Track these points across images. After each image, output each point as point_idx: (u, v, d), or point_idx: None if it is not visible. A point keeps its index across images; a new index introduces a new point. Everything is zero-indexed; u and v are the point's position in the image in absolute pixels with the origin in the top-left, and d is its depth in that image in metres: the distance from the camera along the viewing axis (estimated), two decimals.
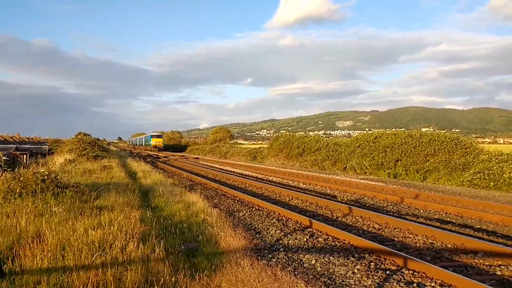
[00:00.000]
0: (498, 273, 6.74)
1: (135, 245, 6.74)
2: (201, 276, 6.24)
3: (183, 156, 55.24)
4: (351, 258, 7.56)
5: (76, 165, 22.66)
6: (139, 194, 14.04)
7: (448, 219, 11.29)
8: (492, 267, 7.03)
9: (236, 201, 14.67)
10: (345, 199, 14.56)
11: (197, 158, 47.00)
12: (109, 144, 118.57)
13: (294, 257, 7.80)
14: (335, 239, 8.91)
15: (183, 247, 7.95)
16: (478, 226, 10.33)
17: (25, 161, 28.58)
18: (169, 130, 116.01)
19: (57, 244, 6.66)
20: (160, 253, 6.72)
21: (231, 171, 29.07)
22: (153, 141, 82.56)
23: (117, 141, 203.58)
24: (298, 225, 10.38)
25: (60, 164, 23.85)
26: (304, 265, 7.34)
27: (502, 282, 6.34)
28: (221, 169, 31.79)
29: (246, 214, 12.13)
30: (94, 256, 6.15)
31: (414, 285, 6.18)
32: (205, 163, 40.23)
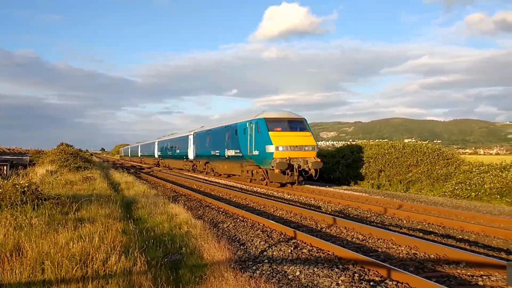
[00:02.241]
0: (480, 283, 6.80)
1: (117, 258, 6.62)
2: None
3: (167, 166, 54.77)
4: (336, 269, 7.55)
5: (57, 176, 22.29)
6: (121, 205, 13.85)
7: (431, 229, 11.39)
8: (474, 277, 7.09)
9: (220, 212, 14.57)
10: (330, 210, 14.59)
11: (182, 169, 46.67)
12: (92, 155, 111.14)
13: (278, 268, 7.76)
14: (319, 250, 8.90)
15: (166, 260, 7.85)
16: (460, 236, 10.44)
17: (5, 172, 28.00)
18: None
19: (36, 258, 6.51)
20: (142, 266, 6.61)
21: (216, 182, 28.93)
22: None
23: (100, 152, 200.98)
24: (282, 236, 10.36)
25: (41, 175, 23.44)
26: (289, 276, 7.30)
27: None
28: (206, 179, 31.62)
29: (231, 226, 12.05)
30: (75, 270, 6.02)
31: None
32: (189, 173, 39.98)
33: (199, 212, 14.70)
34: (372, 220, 12.94)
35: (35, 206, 10.82)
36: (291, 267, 7.76)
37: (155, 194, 18.60)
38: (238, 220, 12.89)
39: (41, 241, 7.34)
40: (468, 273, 7.29)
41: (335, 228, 11.39)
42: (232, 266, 7.37)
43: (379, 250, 9.09)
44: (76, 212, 11.06)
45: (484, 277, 7.05)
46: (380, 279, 6.97)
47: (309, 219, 12.89)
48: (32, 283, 5.66)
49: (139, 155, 77.51)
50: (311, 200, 17.77)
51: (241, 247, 9.51)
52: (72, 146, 40.38)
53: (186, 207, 14.81)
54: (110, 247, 7.16)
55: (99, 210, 11.16)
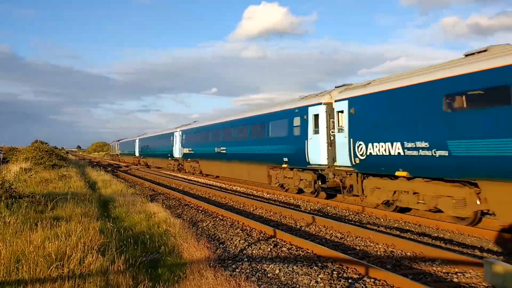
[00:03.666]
0: (455, 280, 6.94)
1: (94, 257, 6.53)
2: None
3: (146, 164, 54.18)
4: (315, 267, 7.60)
5: (32, 174, 21.80)
6: (98, 204, 13.65)
7: (407, 227, 11.57)
8: (449, 274, 7.24)
9: (199, 211, 14.51)
10: (309, 209, 14.68)
11: (160, 167, 46.22)
12: (67, 153, 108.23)
13: (258, 267, 7.77)
14: (298, 249, 8.95)
15: (144, 259, 7.76)
16: (435, 235, 10.63)
17: None
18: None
19: (11, 257, 6.35)
20: (120, 265, 6.53)
21: (195, 181, 28.77)
22: None
23: (76, 149, 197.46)
24: (262, 235, 10.37)
25: (15, 173, 22.89)
26: (268, 275, 7.32)
27: None
28: (185, 178, 31.42)
29: (210, 224, 12.01)
30: (51, 269, 5.91)
31: None
32: (168, 172, 39.66)
33: (178, 211, 14.60)
34: (350, 218, 13.08)
35: (9, 205, 10.56)
36: (270, 266, 7.78)
37: (133, 192, 18.39)
38: (217, 219, 12.86)
39: (15, 240, 7.17)
40: (444, 270, 7.43)
41: (314, 227, 11.46)
42: (211, 264, 7.35)
43: (357, 248, 9.19)
44: (52, 211, 10.84)
45: (459, 274, 7.20)
46: (358, 276, 7.05)
47: (289, 218, 12.94)
48: (6, 283, 5.52)
49: (147, 156, 53.59)
50: (291, 199, 17.84)
51: (221, 245, 9.49)
52: (47, 143, 39.47)
53: (164, 206, 14.71)
54: (87, 246, 7.05)
55: (76, 209, 10.97)
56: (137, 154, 57.36)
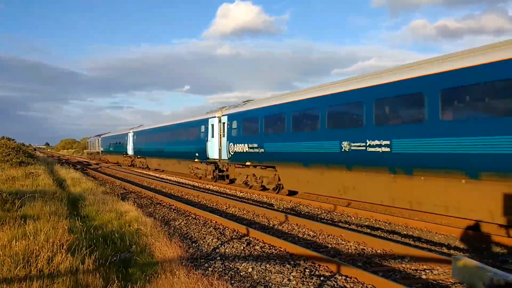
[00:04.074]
0: (424, 277, 7.12)
1: (63, 256, 6.38)
2: (134, 287, 6.02)
3: (117, 163, 53.30)
4: (287, 265, 7.65)
5: None
6: (67, 203, 13.34)
7: (378, 225, 11.78)
8: (418, 271, 7.41)
9: (172, 210, 14.38)
10: (282, 207, 14.76)
11: (132, 165, 45.56)
12: (35, 150, 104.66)
13: (231, 265, 7.76)
14: (271, 247, 8.99)
15: (115, 258, 7.63)
16: (405, 232, 10.87)
17: None
18: None
19: None
20: (90, 265, 6.41)
21: (167, 179, 28.50)
22: None
23: (45, 146, 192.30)
24: (235, 234, 10.37)
25: None
26: (241, 273, 7.32)
27: (427, 285, 6.70)
28: (157, 177, 31.07)
29: (182, 223, 11.92)
30: (18, 269, 5.73)
31: None
32: (140, 170, 39.13)
33: (150, 210, 14.43)
34: (323, 217, 13.22)
35: None
36: (243, 264, 7.79)
37: (104, 191, 18.05)
38: (190, 218, 12.77)
39: None
40: (412, 267, 7.61)
41: (287, 225, 11.54)
42: (184, 263, 7.29)
43: (329, 246, 9.30)
44: (19, 209, 10.53)
45: (427, 271, 7.38)
46: (330, 274, 7.14)
47: (262, 216, 12.98)
48: None
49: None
50: (264, 198, 17.90)
51: (194, 244, 9.44)
52: (14, 140, 38.31)
53: (136, 205, 14.50)
54: (55, 246, 6.88)
55: (44, 207, 10.69)
56: (130, 152, 45.04)
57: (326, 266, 7.47)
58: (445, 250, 8.96)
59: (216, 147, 24.23)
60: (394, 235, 10.44)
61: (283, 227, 11.41)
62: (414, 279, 7.01)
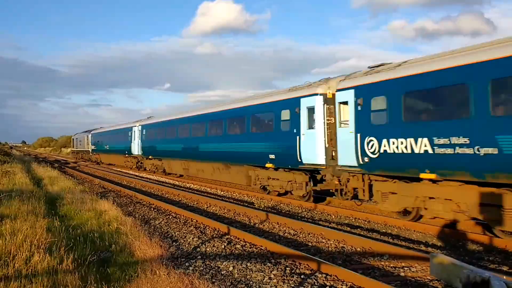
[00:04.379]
0: (402, 274, 7.23)
1: (41, 256, 6.27)
2: (114, 287, 5.96)
3: (96, 162, 52.54)
4: (268, 263, 7.68)
5: None
6: (45, 202, 13.10)
7: (357, 224, 11.92)
8: (397, 268, 7.53)
9: (152, 209, 14.27)
10: (262, 206, 14.79)
11: (111, 164, 44.94)
12: (11, 148, 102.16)
13: (211, 264, 7.76)
14: (252, 245, 9.01)
15: (94, 258, 7.54)
16: (384, 230, 11.03)
17: None
18: None
19: None
20: (69, 265, 6.32)
21: (147, 178, 28.25)
22: None
23: (21, 144, 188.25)
24: (216, 232, 10.36)
25: None
26: (222, 272, 7.32)
27: (405, 282, 6.81)
28: (137, 175, 30.76)
29: (163, 222, 11.84)
30: None
31: (327, 287, 6.43)
32: (119, 169, 38.67)
33: (129, 209, 14.30)
34: (303, 215, 13.31)
35: None
36: (224, 263, 7.79)
37: (82, 190, 17.81)
38: (170, 217, 12.70)
39: None
40: (391, 265, 7.72)
41: (267, 224, 11.57)
42: (164, 263, 7.24)
43: (310, 244, 9.37)
44: None
45: (406, 268, 7.51)
46: (310, 272, 7.19)
47: (243, 215, 12.99)
48: None
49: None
50: (244, 196, 17.91)
51: (174, 243, 9.39)
52: None
53: (115, 204, 14.34)
54: (33, 245, 6.76)
55: (21, 207, 10.49)
56: (136, 151, 35.24)
57: (307, 264, 7.53)
58: (423, 248, 9.11)
59: (320, 144, 14.09)
60: (374, 233, 10.58)
61: (264, 225, 11.45)
62: (393, 277, 7.12)
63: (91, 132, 51.22)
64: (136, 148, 34.93)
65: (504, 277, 6.30)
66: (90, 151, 50.77)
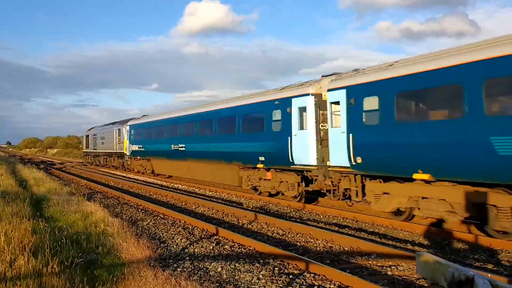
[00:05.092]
0: (389, 273, 7.29)
1: (26, 259, 6.18)
2: None
3: (82, 162, 52.04)
4: (257, 264, 7.68)
5: None
6: (31, 203, 12.94)
7: (345, 223, 11.98)
8: (384, 267, 7.59)
9: (139, 210, 14.17)
10: (251, 206, 14.78)
11: (98, 165, 44.57)
12: None
13: (200, 265, 7.73)
14: (241, 246, 9.00)
15: (81, 260, 7.46)
16: (371, 230, 11.10)
17: None
18: (66, 135, 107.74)
19: None
20: (55, 267, 6.24)
21: (134, 179, 28.05)
22: None
23: (6, 145, 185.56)
24: (204, 233, 10.33)
25: None
26: (210, 273, 7.30)
27: (393, 281, 6.87)
28: (124, 176, 30.54)
29: (151, 223, 11.77)
30: None
31: (315, 287, 6.45)
32: (106, 170, 38.35)
33: (116, 210, 14.18)
34: (292, 215, 13.33)
35: None
36: (212, 264, 7.76)
37: (69, 191, 17.62)
38: (158, 218, 12.63)
39: None
40: (379, 264, 7.78)
41: (256, 224, 11.57)
42: (152, 264, 7.20)
43: (298, 244, 9.39)
44: None
45: (393, 267, 7.56)
46: (299, 272, 7.21)
47: (231, 216, 12.97)
48: None
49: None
50: (233, 197, 17.89)
51: (162, 245, 9.33)
52: None
53: (102, 205, 14.23)
54: (18, 247, 6.66)
55: (6, 208, 10.32)
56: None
57: (295, 264, 7.54)
58: (410, 247, 9.19)
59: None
60: (361, 233, 10.64)
61: (252, 226, 11.44)
62: (380, 275, 7.17)
63: (128, 123, 34.28)
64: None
65: (489, 275, 6.41)
66: (127, 153, 33.90)
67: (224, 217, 12.81)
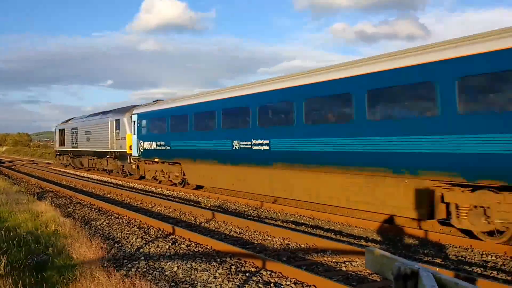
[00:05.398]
0: (344, 269, 7.46)
1: None
2: None
3: (32, 160, 49.99)
4: (213, 262, 7.65)
5: None
6: None
7: (302, 221, 12.15)
8: (339, 263, 7.75)
9: (93, 209, 13.77)
10: (209, 205, 14.72)
11: (50, 163, 42.93)
12: None
13: (155, 265, 7.61)
14: (198, 245, 8.94)
15: (30, 261, 7.16)
16: (327, 227, 11.31)
17: None
18: (16, 132, 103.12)
19: None
20: (1, 269, 5.96)
21: (88, 177, 27.25)
22: None
23: None
24: (160, 233, 10.18)
25: None
26: (166, 272, 7.20)
27: (347, 276, 7.03)
28: (77, 175, 29.58)
29: (104, 223, 11.47)
30: None
31: (272, 285, 6.50)
32: (58, 168, 37.02)
33: (68, 210, 13.72)
34: (250, 213, 13.37)
35: None
36: (168, 263, 7.66)
37: (18, 190, 16.89)
38: (112, 217, 12.33)
39: None
40: (334, 260, 7.94)
41: (213, 223, 11.53)
42: (105, 265, 7.03)
43: (255, 242, 9.43)
44: None
45: (347, 263, 7.74)
46: (255, 269, 7.24)
47: (188, 214, 12.86)
48: None
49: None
50: (191, 196, 17.73)
51: (116, 245, 9.12)
52: None
53: (53, 205, 13.75)
54: None
55: None
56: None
57: (252, 262, 7.57)
58: (363, 243, 9.45)
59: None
60: (318, 230, 10.83)
61: (210, 224, 11.39)
62: (335, 271, 7.32)
63: (135, 112, 24.29)
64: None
65: (437, 269, 6.69)
66: (135, 153, 23.85)
67: (181, 216, 12.68)
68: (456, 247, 8.94)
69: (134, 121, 23.76)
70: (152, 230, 10.48)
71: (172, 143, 20.00)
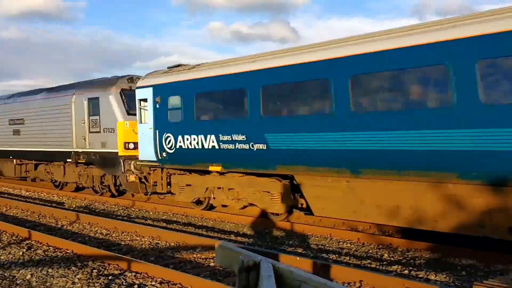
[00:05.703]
0: (212, 264, 7.49)
1: None
2: None
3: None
4: (73, 267, 7.13)
5: None
6: None
7: (175, 218, 11.99)
8: (207, 259, 7.78)
9: None
10: (74, 206, 13.73)
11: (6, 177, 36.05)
12: None
13: (5, 274, 6.89)
14: (56, 249, 8.29)
15: None
16: (200, 224, 11.32)
17: None
18: None
19: None
20: None
21: None
22: None
23: None
24: (14, 238, 9.26)
25: None
26: (17, 281, 6.54)
27: (214, 272, 7.08)
28: None
29: None
30: None
31: (136, 286, 6.26)
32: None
33: None
34: (119, 214, 12.80)
35: None
36: (21, 271, 6.98)
37: None
38: None
39: None
40: (203, 257, 7.94)
41: (77, 225, 10.79)
42: None
43: (123, 243, 9.05)
44: None
45: (215, 258, 7.81)
46: (119, 272, 6.91)
47: (49, 217, 11.88)
48: None
49: None
50: (54, 197, 16.38)
51: None
52: None
53: None
54: None
55: None
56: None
57: (116, 264, 7.22)
58: (234, 238, 9.65)
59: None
60: (190, 227, 10.78)
61: (73, 227, 10.63)
62: (203, 268, 7.34)
63: (158, 81, 13.10)
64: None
65: (298, 258, 7.10)
66: (160, 156, 12.95)
67: (41, 219, 11.64)
68: (317, 237, 9.59)
69: (143, 100, 13.69)
70: (4, 235, 9.47)
71: (271, 138, 10.44)
